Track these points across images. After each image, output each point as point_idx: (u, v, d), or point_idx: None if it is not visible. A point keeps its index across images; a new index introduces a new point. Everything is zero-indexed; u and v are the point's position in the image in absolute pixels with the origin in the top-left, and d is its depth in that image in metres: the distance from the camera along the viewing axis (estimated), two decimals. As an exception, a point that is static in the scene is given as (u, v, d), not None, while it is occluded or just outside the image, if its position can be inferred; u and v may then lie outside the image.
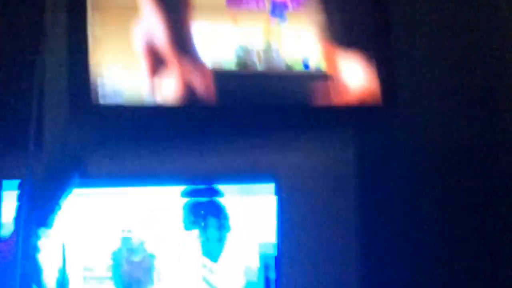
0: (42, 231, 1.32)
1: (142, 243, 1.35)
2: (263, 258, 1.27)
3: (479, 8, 1.46)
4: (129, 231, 1.33)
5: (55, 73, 1.34)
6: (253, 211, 1.30)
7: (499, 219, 1.44)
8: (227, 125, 1.34)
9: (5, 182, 1.37)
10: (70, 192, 1.28)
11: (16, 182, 1.30)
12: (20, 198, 1.26)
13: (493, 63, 1.46)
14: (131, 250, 1.34)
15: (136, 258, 1.34)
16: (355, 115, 1.36)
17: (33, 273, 1.33)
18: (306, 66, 1.38)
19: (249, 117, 1.33)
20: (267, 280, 1.24)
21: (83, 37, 1.31)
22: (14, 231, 1.30)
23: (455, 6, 1.46)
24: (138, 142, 1.34)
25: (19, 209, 1.26)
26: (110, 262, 1.34)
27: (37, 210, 1.27)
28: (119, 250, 1.34)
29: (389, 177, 1.41)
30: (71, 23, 1.30)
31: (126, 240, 1.34)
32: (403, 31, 1.45)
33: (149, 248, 1.34)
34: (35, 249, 1.31)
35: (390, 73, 1.37)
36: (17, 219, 1.27)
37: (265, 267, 1.28)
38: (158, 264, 1.33)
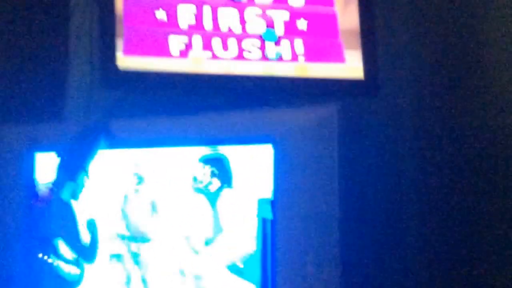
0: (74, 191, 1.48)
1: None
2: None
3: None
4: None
5: (82, 41, 1.51)
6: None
7: (482, 195, 1.48)
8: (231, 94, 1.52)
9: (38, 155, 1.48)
10: (96, 153, 1.43)
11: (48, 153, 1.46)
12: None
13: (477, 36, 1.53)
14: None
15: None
16: (340, 88, 1.49)
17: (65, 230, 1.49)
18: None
19: (248, 87, 1.49)
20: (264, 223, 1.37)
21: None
22: (50, 190, 1.47)
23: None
24: (153, 107, 1.50)
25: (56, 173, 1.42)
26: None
27: (68, 171, 1.44)
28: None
29: (369, 145, 1.52)
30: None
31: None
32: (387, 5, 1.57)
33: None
34: (68, 207, 1.48)
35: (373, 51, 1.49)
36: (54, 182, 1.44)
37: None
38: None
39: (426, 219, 1.50)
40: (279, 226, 1.35)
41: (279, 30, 1.51)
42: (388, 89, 1.52)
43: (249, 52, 1.50)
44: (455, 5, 1.56)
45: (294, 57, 1.50)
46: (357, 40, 1.50)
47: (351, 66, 1.49)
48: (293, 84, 1.52)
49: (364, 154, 1.51)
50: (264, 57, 1.50)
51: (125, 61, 1.48)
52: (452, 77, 1.54)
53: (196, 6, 1.50)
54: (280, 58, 1.50)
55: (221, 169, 1.44)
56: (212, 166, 1.44)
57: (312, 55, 1.51)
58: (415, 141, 1.53)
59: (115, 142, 1.44)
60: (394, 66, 1.55)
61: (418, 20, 1.58)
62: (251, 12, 1.50)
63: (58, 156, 1.43)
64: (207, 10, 1.50)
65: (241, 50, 1.50)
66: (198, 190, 1.44)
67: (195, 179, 1.44)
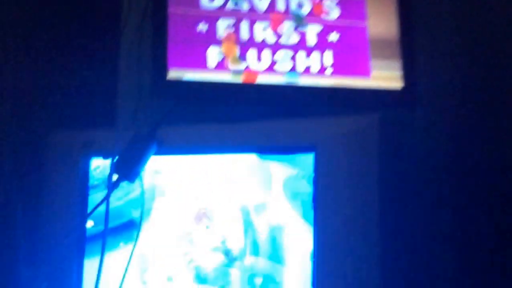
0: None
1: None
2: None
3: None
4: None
5: (133, 52, 1.57)
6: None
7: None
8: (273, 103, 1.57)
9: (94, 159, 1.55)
10: (149, 159, 1.46)
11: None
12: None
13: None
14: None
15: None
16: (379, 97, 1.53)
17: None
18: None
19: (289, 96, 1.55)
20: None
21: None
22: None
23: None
24: (199, 116, 1.56)
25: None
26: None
27: (122, 176, 1.50)
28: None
29: (410, 155, 1.54)
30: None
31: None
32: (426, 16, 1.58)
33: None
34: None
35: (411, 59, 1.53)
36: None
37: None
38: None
39: (466, 227, 1.52)
40: (319, 234, 1.40)
41: (312, 41, 1.57)
42: (429, 99, 1.55)
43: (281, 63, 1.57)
44: (499, 13, 1.57)
45: (322, 70, 1.57)
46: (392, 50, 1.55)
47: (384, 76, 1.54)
48: (333, 93, 1.57)
49: (405, 163, 1.54)
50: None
51: (173, 71, 1.56)
52: (494, 87, 1.55)
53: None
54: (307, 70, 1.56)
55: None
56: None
57: (340, 68, 1.57)
58: (455, 151, 1.55)
59: (165, 149, 1.49)
60: (434, 76, 1.58)
61: (460, 28, 1.59)
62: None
63: (113, 161, 1.46)
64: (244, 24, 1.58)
65: (273, 62, 1.57)
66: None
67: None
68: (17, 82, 1.63)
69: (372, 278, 1.37)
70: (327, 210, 1.43)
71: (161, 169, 1.57)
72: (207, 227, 1.53)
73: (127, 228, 1.54)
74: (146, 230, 1.53)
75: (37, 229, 1.54)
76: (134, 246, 1.46)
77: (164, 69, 1.56)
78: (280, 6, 1.60)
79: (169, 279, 1.51)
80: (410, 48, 1.56)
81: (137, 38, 1.60)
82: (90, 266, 1.50)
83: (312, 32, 1.59)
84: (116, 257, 1.51)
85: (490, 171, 1.51)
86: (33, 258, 1.53)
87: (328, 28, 1.59)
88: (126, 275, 1.43)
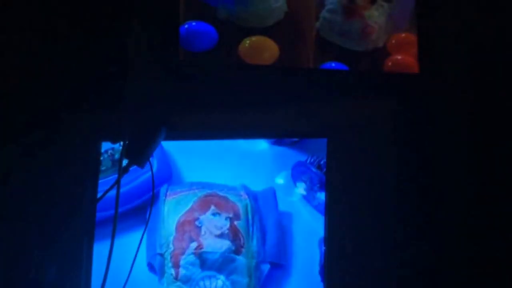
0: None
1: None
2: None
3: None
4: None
5: (146, 35, 1.55)
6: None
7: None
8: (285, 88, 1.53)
9: (104, 144, 1.55)
10: (158, 145, 1.46)
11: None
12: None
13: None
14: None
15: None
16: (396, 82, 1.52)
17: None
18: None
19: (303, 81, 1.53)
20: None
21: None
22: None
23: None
24: (211, 101, 1.52)
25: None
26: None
27: (132, 159, 1.49)
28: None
29: (426, 139, 1.53)
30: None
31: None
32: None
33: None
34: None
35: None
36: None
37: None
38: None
39: (485, 216, 1.51)
40: (332, 222, 1.39)
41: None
42: (445, 84, 1.53)
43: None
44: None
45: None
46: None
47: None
48: (349, 77, 1.55)
49: (421, 148, 1.52)
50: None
51: (185, 54, 1.54)
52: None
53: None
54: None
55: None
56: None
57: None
58: (471, 137, 1.54)
59: (175, 134, 1.49)
60: (451, 60, 1.56)
61: (476, 13, 1.58)
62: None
63: (123, 144, 1.46)
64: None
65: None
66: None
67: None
68: (25, 66, 1.61)
69: (385, 267, 1.36)
70: (339, 197, 1.41)
71: (170, 153, 1.56)
72: (214, 214, 1.52)
73: (136, 213, 1.54)
74: (154, 215, 1.52)
75: (47, 214, 1.52)
76: (144, 231, 1.46)
77: (176, 51, 1.52)
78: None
79: (176, 265, 1.51)
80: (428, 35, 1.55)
81: (148, 19, 1.58)
82: (100, 250, 1.49)
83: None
84: (125, 242, 1.50)
85: (508, 159, 1.50)
86: (43, 243, 1.51)
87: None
88: (135, 259, 1.43)
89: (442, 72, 1.55)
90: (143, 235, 1.46)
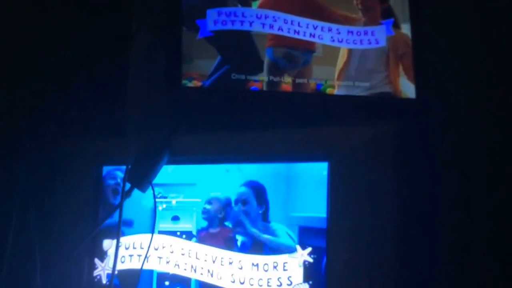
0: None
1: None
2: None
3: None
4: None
5: (148, 57, 1.56)
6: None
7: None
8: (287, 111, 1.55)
9: (106, 168, 1.55)
10: (161, 168, 1.47)
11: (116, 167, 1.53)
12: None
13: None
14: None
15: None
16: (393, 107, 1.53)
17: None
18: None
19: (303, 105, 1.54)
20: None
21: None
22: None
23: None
24: (211, 124, 1.53)
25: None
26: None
27: (135, 184, 1.50)
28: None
29: (424, 164, 1.51)
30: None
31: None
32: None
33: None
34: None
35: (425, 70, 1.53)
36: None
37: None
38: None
39: (482, 235, 1.49)
40: (332, 244, 1.39)
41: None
42: (443, 108, 1.54)
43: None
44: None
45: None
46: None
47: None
48: (347, 102, 1.57)
49: (420, 173, 1.51)
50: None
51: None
52: (510, 95, 1.53)
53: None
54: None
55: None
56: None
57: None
58: (471, 159, 1.52)
59: (177, 159, 1.50)
60: (448, 85, 1.56)
61: (472, 38, 1.57)
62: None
63: (126, 169, 1.47)
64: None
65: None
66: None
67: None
68: (28, 91, 1.63)
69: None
70: (341, 219, 1.42)
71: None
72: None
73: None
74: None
75: (50, 237, 1.54)
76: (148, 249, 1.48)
77: (178, 76, 1.54)
78: None
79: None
80: (424, 57, 1.55)
81: (149, 44, 1.60)
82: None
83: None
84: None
85: (508, 179, 1.49)
86: (46, 265, 1.53)
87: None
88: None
89: (439, 96, 1.55)
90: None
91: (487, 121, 1.53)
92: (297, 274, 1.42)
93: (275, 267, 1.43)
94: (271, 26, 1.56)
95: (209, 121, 1.56)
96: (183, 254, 1.50)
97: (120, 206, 1.46)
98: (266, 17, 1.56)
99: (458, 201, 1.50)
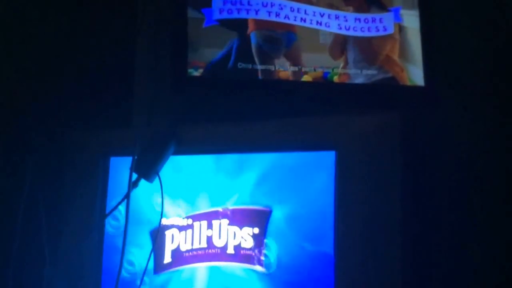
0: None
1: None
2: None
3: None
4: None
5: (154, 48, 1.55)
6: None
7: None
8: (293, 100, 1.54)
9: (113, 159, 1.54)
10: (168, 158, 1.47)
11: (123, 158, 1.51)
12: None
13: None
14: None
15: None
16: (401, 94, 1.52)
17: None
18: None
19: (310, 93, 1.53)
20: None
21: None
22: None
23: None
24: (218, 114, 1.53)
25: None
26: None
27: (141, 174, 1.50)
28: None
29: (432, 152, 1.51)
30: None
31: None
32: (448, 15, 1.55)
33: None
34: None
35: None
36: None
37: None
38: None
39: (491, 226, 1.47)
40: (340, 233, 1.38)
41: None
42: (451, 96, 1.52)
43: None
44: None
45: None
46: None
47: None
48: (355, 90, 1.55)
49: (428, 160, 1.51)
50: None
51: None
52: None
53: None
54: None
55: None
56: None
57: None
58: (477, 147, 1.51)
59: (183, 149, 1.50)
60: (456, 73, 1.54)
61: (482, 24, 1.56)
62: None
63: (132, 159, 1.47)
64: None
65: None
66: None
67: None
68: (35, 84, 1.64)
69: (393, 279, 1.35)
70: (348, 209, 1.41)
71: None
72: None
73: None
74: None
75: (58, 227, 1.55)
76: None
77: (184, 65, 1.53)
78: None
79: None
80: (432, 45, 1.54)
81: (155, 32, 1.59)
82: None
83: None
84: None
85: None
86: (55, 256, 1.53)
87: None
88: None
89: (448, 83, 1.53)
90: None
91: (498, 109, 1.51)
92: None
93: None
94: (277, 14, 1.55)
95: (215, 111, 1.55)
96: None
97: (127, 196, 1.46)
98: (272, 5, 1.55)
99: (466, 190, 1.49)
